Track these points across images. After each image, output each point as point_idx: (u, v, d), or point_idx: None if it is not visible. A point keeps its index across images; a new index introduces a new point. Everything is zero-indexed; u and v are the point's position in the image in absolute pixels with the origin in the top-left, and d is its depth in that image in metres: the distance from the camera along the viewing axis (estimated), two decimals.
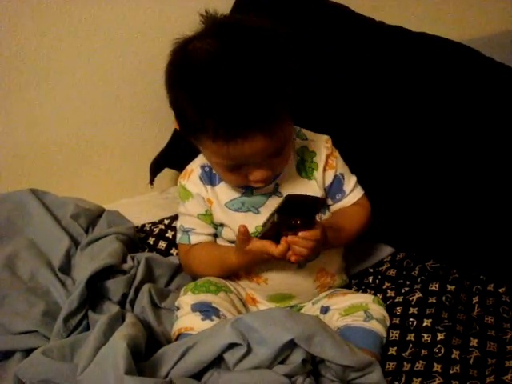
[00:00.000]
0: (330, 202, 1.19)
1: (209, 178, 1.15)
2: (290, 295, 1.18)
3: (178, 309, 1.12)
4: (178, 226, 1.21)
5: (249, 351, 0.95)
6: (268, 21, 1.02)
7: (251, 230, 1.09)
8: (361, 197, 1.20)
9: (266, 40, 0.98)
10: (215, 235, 1.20)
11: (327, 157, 1.16)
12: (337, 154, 1.18)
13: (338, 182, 1.17)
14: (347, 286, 1.27)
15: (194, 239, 1.18)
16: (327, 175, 1.16)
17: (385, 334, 1.11)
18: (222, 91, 0.94)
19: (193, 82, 0.98)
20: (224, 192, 1.14)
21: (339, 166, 1.17)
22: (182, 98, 1.00)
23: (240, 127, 0.95)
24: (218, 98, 0.95)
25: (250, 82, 0.94)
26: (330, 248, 1.14)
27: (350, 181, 1.19)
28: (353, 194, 1.19)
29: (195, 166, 1.17)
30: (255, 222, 1.12)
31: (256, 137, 0.97)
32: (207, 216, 1.17)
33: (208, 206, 1.15)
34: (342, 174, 1.18)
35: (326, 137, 1.18)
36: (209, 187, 1.15)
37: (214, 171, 1.14)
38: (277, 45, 0.99)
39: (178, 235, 1.21)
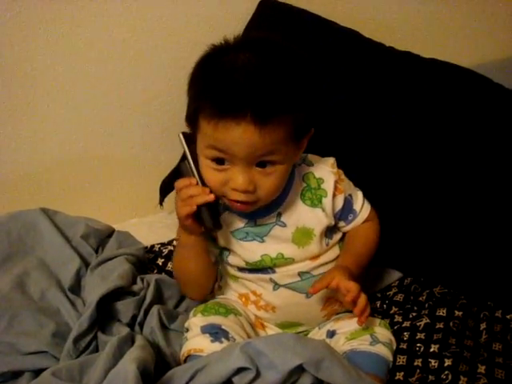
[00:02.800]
0: (342, 224, 1.18)
1: None
2: (298, 323, 1.18)
3: (187, 330, 1.12)
4: None
5: (257, 375, 0.95)
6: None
7: (256, 258, 1.12)
8: (370, 211, 1.20)
9: (291, 54, 1.02)
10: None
11: (335, 182, 1.14)
12: (343, 176, 1.17)
13: (348, 203, 1.16)
14: None
15: None
16: (337, 200, 1.15)
17: (391, 358, 1.10)
18: (230, 74, 0.97)
19: (209, 71, 1.01)
20: (228, 222, 1.13)
21: (346, 187, 1.17)
22: (194, 83, 1.03)
23: (235, 107, 0.95)
24: (224, 78, 0.97)
25: (264, 74, 0.97)
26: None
27: (358, 198, 1.19)
28: (363, 211, 1.18)
29: None
30: (260, 250, 1.12)
31: (248, 126, 0.95)
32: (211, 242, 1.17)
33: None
34: (350, 195, 1.17)
35: (331, 160, 1.17)
36: None
37: (220, 201, 1.12)
38: (301, 62, 1.02)
39: None
